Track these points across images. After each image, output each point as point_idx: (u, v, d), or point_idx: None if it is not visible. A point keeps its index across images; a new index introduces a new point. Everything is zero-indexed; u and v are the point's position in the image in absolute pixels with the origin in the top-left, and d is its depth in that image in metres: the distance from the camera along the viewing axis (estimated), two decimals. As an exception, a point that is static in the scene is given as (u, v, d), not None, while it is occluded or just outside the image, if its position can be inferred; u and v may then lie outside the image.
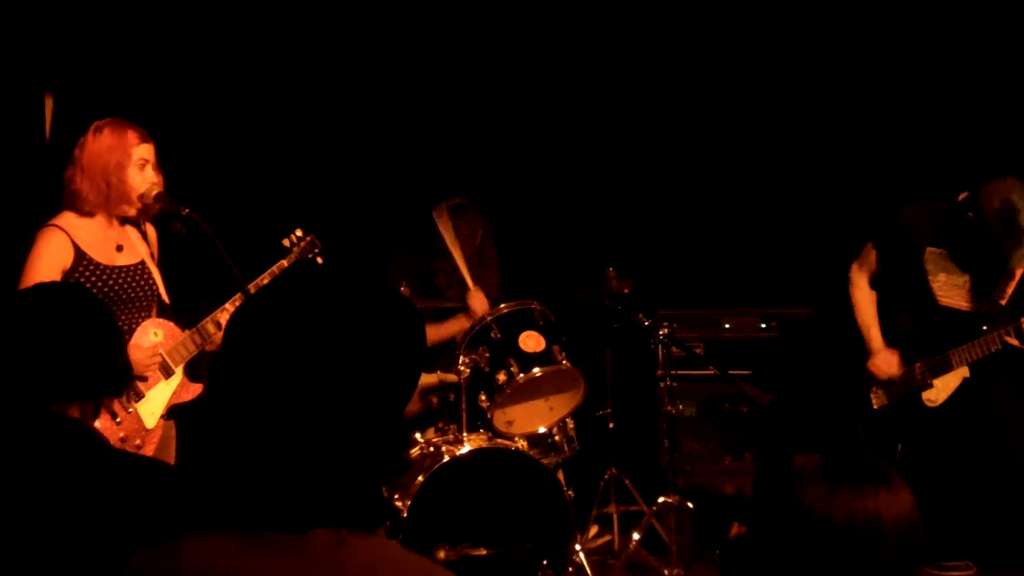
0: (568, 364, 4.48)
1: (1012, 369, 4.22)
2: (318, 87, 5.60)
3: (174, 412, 3.69)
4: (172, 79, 5.10)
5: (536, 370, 4.41)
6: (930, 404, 4.29)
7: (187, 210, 3.58)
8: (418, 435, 4.52)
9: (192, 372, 3.74)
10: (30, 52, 4.73)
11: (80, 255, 3.50)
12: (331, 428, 1.34)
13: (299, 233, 3.91)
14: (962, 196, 4.15)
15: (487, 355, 4.46)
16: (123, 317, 3.57)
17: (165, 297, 3.75)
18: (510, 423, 4.57)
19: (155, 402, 3.60)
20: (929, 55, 5.42)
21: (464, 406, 4.35)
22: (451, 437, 4.40)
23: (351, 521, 1.35)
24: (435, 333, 4.80)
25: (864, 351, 4.42)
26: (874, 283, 4.45)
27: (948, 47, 5.37)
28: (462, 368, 4.37)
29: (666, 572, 4.63)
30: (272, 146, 5.49)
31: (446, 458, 4.18)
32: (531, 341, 4.47)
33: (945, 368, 4.24)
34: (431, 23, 5.67)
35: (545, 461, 4.43)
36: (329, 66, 5.61)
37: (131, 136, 3.60)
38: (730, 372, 5.02)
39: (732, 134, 5.85)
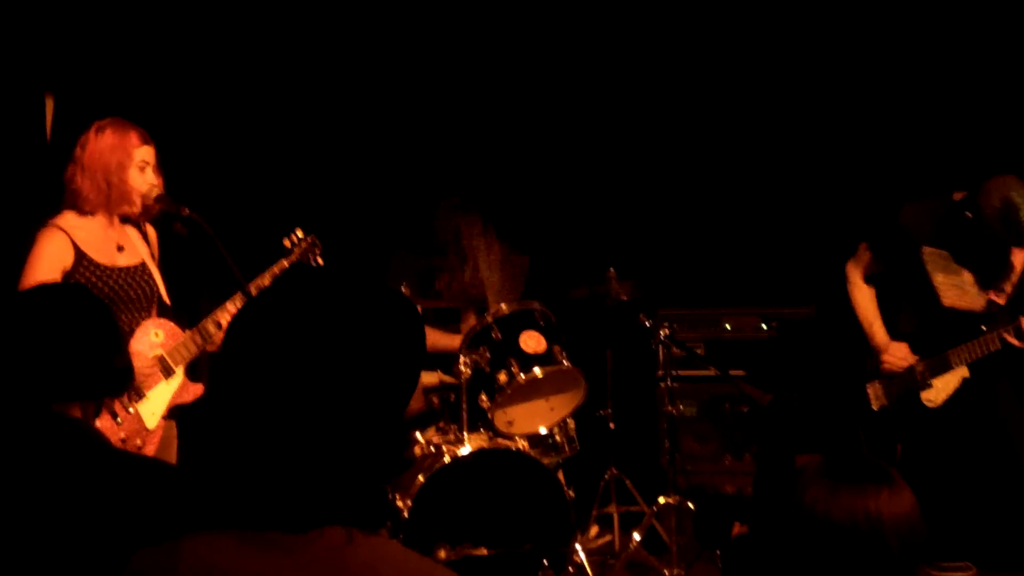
0: (569, 364, 4.48)
1: (1011, 369, 4.22)
2: (318, 87, 5.60)
3: (175, 412, 3.69)
4: (172, 79, 5.10)
5: (537, 370, 4.41)
6: (929, 404, 4.29)
7: (187, 210, 3.58)
8: (419, 435, 4.52)
9: (193, 373, 3.74)
10: (31, 53, 4.73)
11: (80, 255, 3.50)
12: (332, 427, 1.34)
13: (299, 233, 3.91)
14: (959, 195, 4.14)
15: (488, 355, 4.45)
16: (123, 317, 3.57)
17: (165, 298, 3.75)
18: (511, 423, 4.57)
19: (156, 402, 3.60)
20: (928, 55, 5.42)
21: (465, 406, 4.35)
22: (452, 437, 4.40)
23: (353, 520, 1.35)
24: (446, 341, 4.79)
25: (865, 350, 4.42)
26: (872, 282, 4.45)
27: (947, 47, 5.37)
28: (463, 368, 4.38)
29: (666, 572, 4.63)
30: (272, 146, 5.49)
31: (447, 458, 4.18)
32: (532, 341, 4.47)
33: (944, 368, 4.23)
34: (432, 22, 5.67)
35: (546, 461, 4.43)
36: (329, 66, 5.61)
37: (133, 137, 3.60)
38: (730, 372, 5.02)
39: (732, 134, 5.85)
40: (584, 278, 5.02)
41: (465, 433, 4.33)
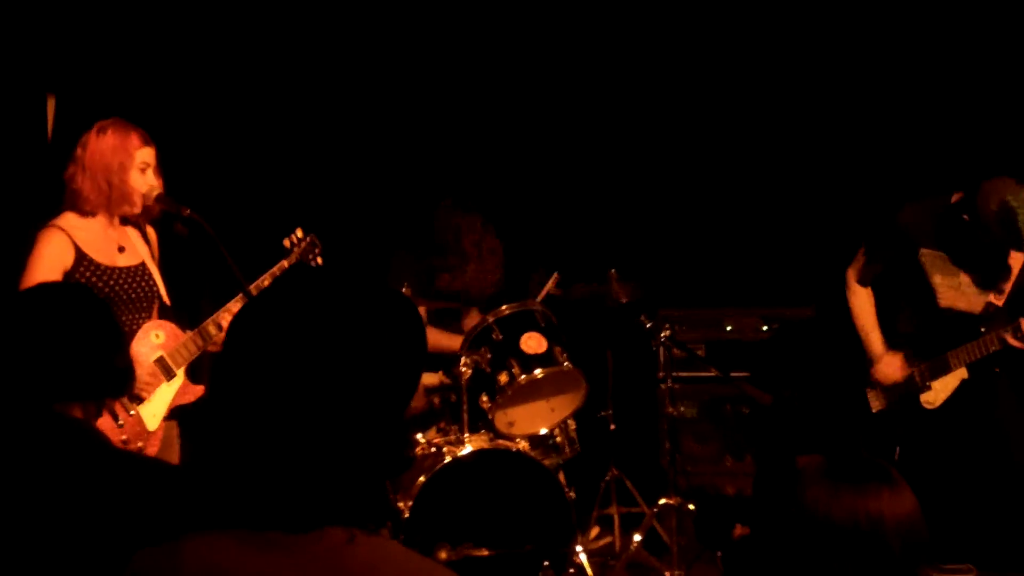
0: (569, 365, 4.48)
1: (1010, 370, 4.22)
2: (319, 88, 5.60)
3: (176, 413, 3.69)
4: (173, 80, 5.10)
5: (537, 371, 4.41)
6: (928, 406, 4.28)
7: (188, 211, 3.58)
8: (419, 435, 4.52)
9: (193, 374, 3.74)
10: (32, 53, 4.73)
11: (81, 256, 3.50)
12: (333, 427, 1.34)
13: (299, 233, 3.91)
14: (956, 197, 4.14)
15: (488, 356, 4.45)
16: (124, 318, 3.57)
17: (166, 298, 3.75)
18: (511, 424, 4.57)
19: (157, 404, 3.61)
20: (927, 57, 5.43)
21: (465, 407, 4.35)
22: (452, 438, 4.40)
23: (354, 520, 1.35)
24: (448, 341, 4.79)
25: (863, 352, 4.42)
26: (871, 285, 4.45)
27: (946, 48, 5.38)
28: (463, 369, 4.38)
29: (667, 573, 4.63)
30: (273, 147, 5.49)
31: (447, 459, 4.18)
32: (533, 342, 4.47)
33: (943, 370, 4.23)
34: (432, 22, 5.67)
35: (546, 462, 4.42)
36: (329, 67, 5.61)
37: (134, 138, 3.60)
38: (731, 373, 5.02)
39: (734, 136, 5.85)
40: (586, 279, 5.02)
41: (466, 434, 4.33)
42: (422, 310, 4.58)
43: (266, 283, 3.73)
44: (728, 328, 5.54)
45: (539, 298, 4.83)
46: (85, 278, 3.48)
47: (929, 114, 5.44)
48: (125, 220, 3.66)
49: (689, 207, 5.92)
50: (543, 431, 4.63)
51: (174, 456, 3.65)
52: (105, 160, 3.55)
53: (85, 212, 3.56)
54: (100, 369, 2.14)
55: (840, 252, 4.62)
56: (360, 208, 5.62)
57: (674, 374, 4.89)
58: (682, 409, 5.28)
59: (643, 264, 5.37)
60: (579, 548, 4.42)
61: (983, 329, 4.14)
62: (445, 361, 4.63)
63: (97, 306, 2.20)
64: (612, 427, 5.00)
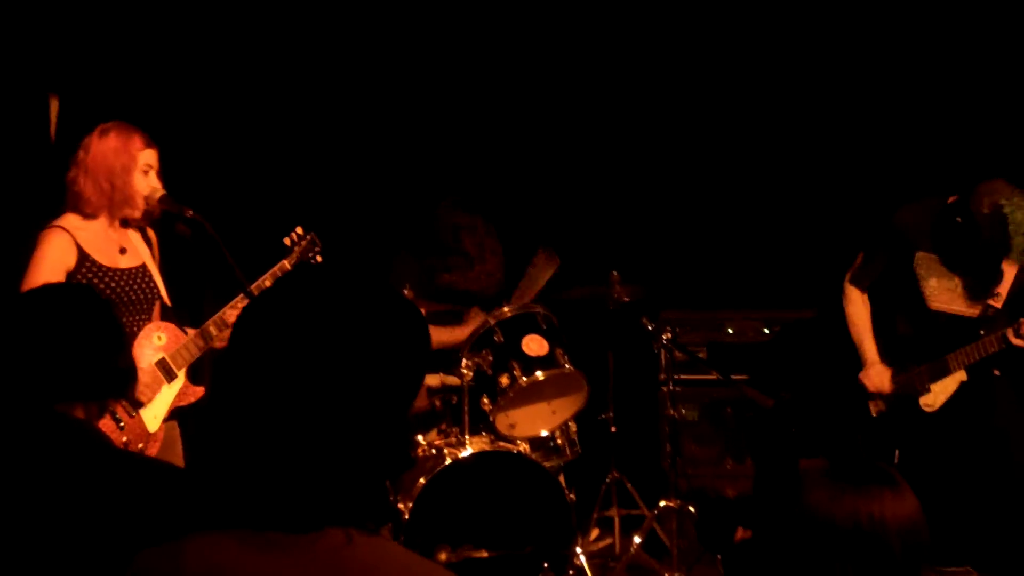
0: (571, 367, 4.49)
1: (1009, 372, 4.22)
2: (320, 89, 5.61)
3: (176, 414, 3.69)
4: (175, 79, 5.11)
5: (539, 373, 4.41)
6: (928, 409, 4.28)
7: (191, 212, 3.58)
8: (420, 437, 4.52)
9: (194, 375, 3.74)
10: (35, 54, 4.74)
11: (83, 256, 3.50)
12: (335, 428, 1.34)
13: (299, 232, 3.91)
14: (951, 199, 4.14)
15: (490, 358, 4.46)
16: (125, 319, 3.57)
17: (166, 299, 3.76)
18: (512, 426, 4.57)
19: (158, 405, 3.61)
20: (927, 58, 5.43)
21: (467, 409, 4.36)
22: (453, 439, 4.41)
23: (355, 521, 1.35)
24: (440, 335, 4.80)
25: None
26: (869, 289, 4.45)
27: (946, 50, 5.38)
28: (465, 371, 4.38)
29: (667, 575, 4.63)
30: (274, 148, 5.49)
31: (448, 460, 4.19)
32: (534, 344, 4.48)
33: (943, 372, 4.23)
34: (434, 22, 5.68)
35: (547, 464, 4.43)
36: (330, 67, 5.61)
37: (137, 141, 3.60)
38: (732, 376, 5.02)
39: (735, 138, 5.86)
40: (588, 282, 5.02)
41: (467, 435, 4.33)
42: (423, 311, 4.57)
43: (267, 283, 3.73)
44: (729, 331, 5.54)
45: (540, 285, 4.84)
46: (87, 279, 3.48)
47: (928, 116, 5.44)
48: (126, 222, 3.66)
49: (691, 209, 5.93)
50: (544, 433, 4.64)
51: (176, 456, 3.66)
52: (108, 162, 3.55)
53: (86, 214, 3.56)
54: (102, 370, 2.14)
55: (843, 256, 4.62)
56: (361, 209, 5.62)
57: (675, 376, 4.89)
58: (683, 411, 5.28)
59: (645, 266, 5.37)
60: (579, 550, 4.42)
61: (982, 332, 4.14)
62: (446, 362, 4.63)
63: (99, 306, 2.21)
64: (613, 429, 5.00)
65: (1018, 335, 4.01)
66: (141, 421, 3.55)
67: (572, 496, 4.34)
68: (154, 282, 3.70)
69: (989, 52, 5.33)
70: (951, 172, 4.71)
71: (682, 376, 5.10)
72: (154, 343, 3.63)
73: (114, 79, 4.87)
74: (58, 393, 2.09)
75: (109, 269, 3.55)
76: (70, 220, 3.55)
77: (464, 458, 4.21)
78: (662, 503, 4.75)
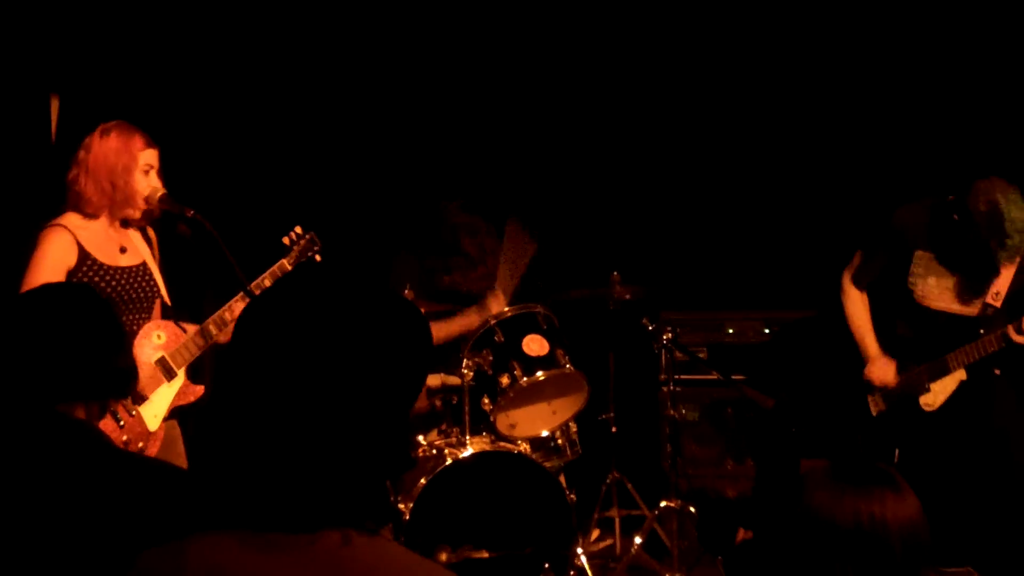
0: (571, 368, 4.48)
1: (1009, 371, 4.22)
2: (322, 88, 5.61)
3: (176, 413, 3.69)
4: (175, 79, 5.11)
5: (539, 373, 4.41)
6: (927, 408, 4.28)
7: (191, 211, 3.58)
8: (421, 437, 4.52)
9: (194, 374, 3.74)
10: (35, 54, 4.74)
11: (84, 255, 3.50)
12: (337, 428, 1.35)
13: (298, 231, 3.91)
14: (950, 199, 4.14)
15: (490, 358, 4.46)
16: (125, 318, 3.57)
17: (166, 298, 3.76)
18: (513, 426, 4.57)
19: (158, 404, 3.61)
20: (927, 58, 5.44)
21: (467, 409, 4.36)
22: (454, 440, 4.41)
23: (356, 522, 1.35)
24: (443, 331, 4.80)
25: (861, 357, 4.42)
26: (867, 288, 4.45)
27: (946, 50, 5.39)
28: (465, 371, 4.38)
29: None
30: (275, 148, 5.49)
31: (449, 460, 4.19)
32: (535, 344, 4.48)
33: (942, 372, 4.23)
34: (435, 22, 5.68)
35: (547, 464, 4.43)
36: (332, 67, 5.61)
37: (138, 141, 3.60)
38: (733, 376, 5.01)
39: (736, 138, 5.86)
40: (588, 282, 5.02)
41: (467, 436, 4.33)
42: (423, 311, 4.57)
43: (266, 282, 3.74)
44: (730, 331, 5.54)
45: (522, 267, 4.85)
46: (88, 277, 3.49)
47: (927, 116, 5.44)
48: (126, 222, 3.66)
49: (691, 210, 5.93)
50: (544, 433, 4.64)
51: (177, 455, 3.66)
52: (109, 162, 3.55)
53: (87, 213, 3.56)
54: (103, 369, 2.14)
55: (840, 255, 4.62)
56: (362, 209, 5.62)
57: (676, 377, 4.90)
58: (683, 412, 5.28)
59: (645, 267, 5.37)
60: (580, 550, 4.42)
61: (982, 331, 4.14)
62: (447, 362, 4.63)
63: (100, 306, 2.21)
64: (614, 429, 5.00)
65: (1019, 331, 4.00)
66: (141, 420, 3.55)
67: (573, 496, 4.34)
68: (154, 281, 3.70)
69: (988, 52, 5.33)
70: (950, 172, 4.71)
71: (682, 376, 5.10)
72: (153, 342, 3.63)
73: (114, 79, 4.87)
74: (59, 393, 2.09)
75: (110, 268, 3.56)
76: (71, 219, 3.55)
77: (465, 458, 4.21)
78: (663, 503, 4.75)
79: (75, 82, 4.84)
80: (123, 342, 2.23)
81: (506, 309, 4.58)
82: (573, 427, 4.71)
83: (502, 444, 4.39)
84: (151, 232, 3.80)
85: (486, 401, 4.45)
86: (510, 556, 4.16)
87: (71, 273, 3.47)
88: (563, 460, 4.65)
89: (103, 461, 2.03)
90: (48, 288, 2.42)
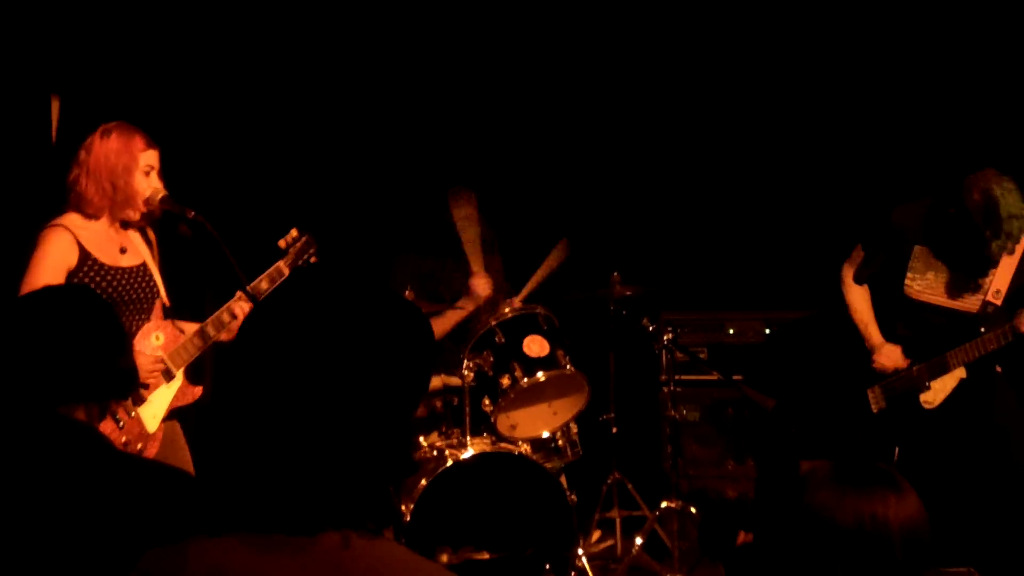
0: (572, 368, 4.48)
1: (1009, 369, 4.22)
2: (322, 89, 5.61)
3: (175, 415, 3.69)
4: (176, 80, 5.11)
5: (540, 374, 4.41)
6: (927, 406, 4.28)
7: (192, 212, 3.58)
8: (421, 439, 4.52)
9: (194, 375, 3.74)
10: (36, 54, 4.74)
11: (85, 255, 3.50)
12: (340, 430, 1.35)
13: (294, 234, 3.90)
14: (947, 195, 4.14)
15: (491, 359, 4.46)
16: (125, 319, 3.57)
17: (165, 299, 3.76)
18: (514, 427, 4.57)
19: (157, 405, 3.61)
20: (927, 58, 5.44)
21: (468, 410, 4.36)
22: (454, 441, 4.41)
23: (359, 523, 1.35)
24: (440, 326, 4.80)
25: (863, 353, 4.42)
26: (867, 283, 4.45)
27: (943, 49, 5.39)
28: (466, 372, 4.38)
29: (668, 576, 4.64)
30: (275, 147, 5.49)
31: (449, 462, 4.19)
32: (535, 345, 4.48)
33: (943, 370, 4.23)
34: (434, 23, 5.68)
35: (548, 465, 4.43)
36: (332, 68, 5.62)
37: (139, 141, 3.60)
38: (733, 376, 5.01)
39: (735, 139, 5.86)
40: (588, 283, 5.02)
41: (468, 437, 4.33)
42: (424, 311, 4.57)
43: (263, 285, 3.73)
44: (730, 331, 5.55)
45: (547, 271, 4.83)
46: (88, 278, 3.48)
47: (926, 116, 5.45)
48: (127, 223, 3.66)
49: (691, 211, 5.93)
50: (545, 434, 4.63)
51: (179, 454, 3.65)
52: (110, 163, 3.55)
53: (88, 214, 3.56)
54: (104, 371, 2.14)
55: (840, 255, 4.62)
56: (362, 209, 5.63)
57: (676, 377, 4.90)
58: (684, 412, 5.28)
59: (646, 267, 5.37)
60: (580, 552, 4.42)
61: (983, 329, 4.14)
62: (447, 364, 4.63)
63: (100, 307, 2.21)
64: (614, 430, 5.00)
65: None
66: (140, 421, 3.54)
67: (573, 497, 4.34)
68: (154, 282, 3.70)
69: (987, 52, 5.33)
70: (949, 171, 4.71)
71: (683, 377, 5.11)
72: (152, 343, 3.63)
73: (115, 79, 4.87)
74: (59, 395, 2.09)
75: (110, 268, 3.55)
76: (72, 219, 3.55)
77: (465, 459, 4.21)
78: (663, 504, 4.75)
79: (75, 82, 4.84)
80: (124, 343, 2.23)
81: (507, 310, 4.58)
82: (574, 428, 4.71)
83: (503, 445, 4.39)
84: (151, 233, 3.79)
85: (487, 402, 4.45)
86: (511, 557, 4.16)
87: (72, 273, 3.47)
88: (564, 461, 4.65)
89: (103, 463, 2.03)
90: (49, 290, 2.42)
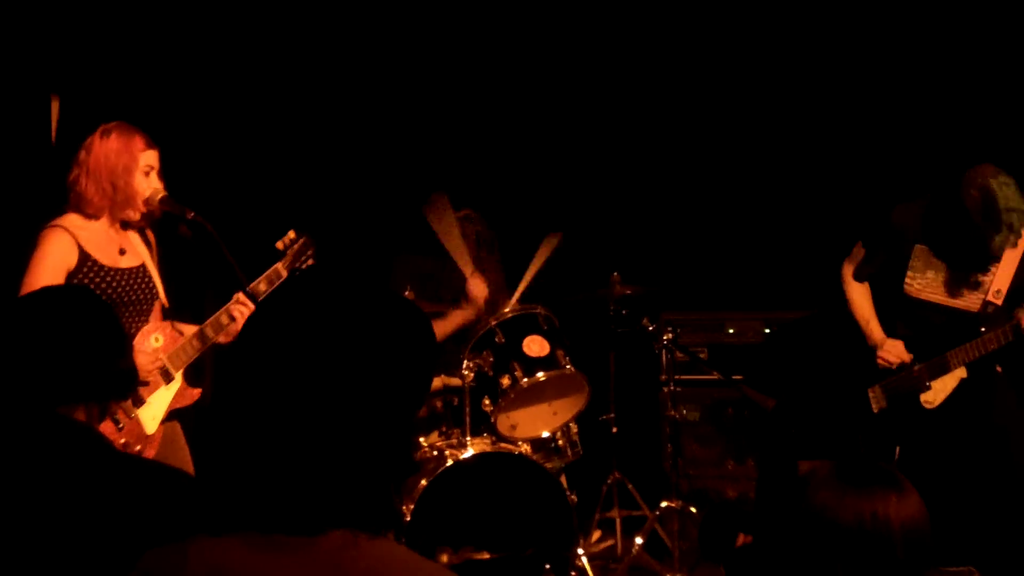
0: (572, 368, 4.48)
1: (1010, 369, 4.21)
2: (322, 89, 5.61)
3: (174, 415, 3.69)
4: (176, 80, 5.11)
5: (540, 374, 4.41)
6: (928, 406, 4.28)
7: (192, 213, 3.57)
8: (421, 439, 4.52)
9: (193, 377, 3.73)
10: (36, 54, 4.74)
11: (84, 256, 3.50)
12: (341, 432, 1.35)
13: (292, 235, 3.89)
14: (945, 193, 4.14)
15: (491, 359, 4.46)
16: (124, 320, 3.57)
17: (165, 300, 3.75)
18: (514, 427, 4.57)
19: (156, 407, 3.60)
20: (927, 57, 5.44)
21: (468, 410, 4.36)
22: (455, 441, 4.41)
23: (360, 523, 1.35)
24: (441, 328, 4.79)
25: (864, 352, 4.42)
26: (867, 281, 4.45)
27: (942, 50, 5.39)
28: (466, 372, 4.38)
29: (668, 576, 4.64)
30: (275, 148, 5.49)
31: (449, 462, 4.19)
32: (535, 345, 4.48)
33: (943, 370, 4.23)
34: (433, 24, 5.68)
35: (548, 465, 4.43)
36: (332, 69, 5.62)
37: (139, 141, 3.59)
38: (733, 376, 5.01)
39: (735, 139, 5.86)
40: (588, 283, 5.02)
41: (468, 437, 4.33)
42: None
43: (262, 286, 3.72)
44: (730, 331, 5.55)
45: (539, 264, 4.81)
46: (88, 279, 3.48)
47: (926, 116, 5.45)
48: (126, 223, 3.66)
49: (691, 210, 5.93)
50: (545, 434, 4.63)
51: (179, 455, 3.65)
52: (110, 163, 3.54)
53: (88, 214, 3.55)
54: (104, 372, 2.14)
55: (840, 255, 4.62)
56: (362, 209, 5.62)
57: (676, 377, 4.90)
58: (684, 412, 5.28)
59: (646, 267, 5.37)
60: (581, 551, 4.42)
61: (983, 329, 4.14)
62: (447, 364, 4.63)
63: (100, 308, 2.21)
64: (614, 430, 5.00)
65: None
66: (139, 423, 3.54)
67: (573, 497, 4.34)
68: (153, 283, 3.70)
69: (986, 52, 5.33)
70: (949, 170, 4.71)
71: (683, 377, 5.10)
72: (151, 344, 3.62)
73: (115, 80, 4.87)
74: (59, 395, 2.09)
75: (110, 269, 3.55)
76: (71, 220, 3.54)
77: (465, 459, 4.21)
78: (664, 504, 4.75)
79: (75, 83, 4.84)
80: (123, 344, 2.23)
81: (507, 310, 4.58)
82: (574, 428, 4.71)
83: (503, 445, 4.39)
84: (150, 234, 3.79)
85: (487, 402, 4.45)
86: (511, 557, 4.16)
87: (71, 274, 3.47)
88: (564, 461, 4.65)
89: (103, 463, 2.03)
90: (49, 290, 2.42)
